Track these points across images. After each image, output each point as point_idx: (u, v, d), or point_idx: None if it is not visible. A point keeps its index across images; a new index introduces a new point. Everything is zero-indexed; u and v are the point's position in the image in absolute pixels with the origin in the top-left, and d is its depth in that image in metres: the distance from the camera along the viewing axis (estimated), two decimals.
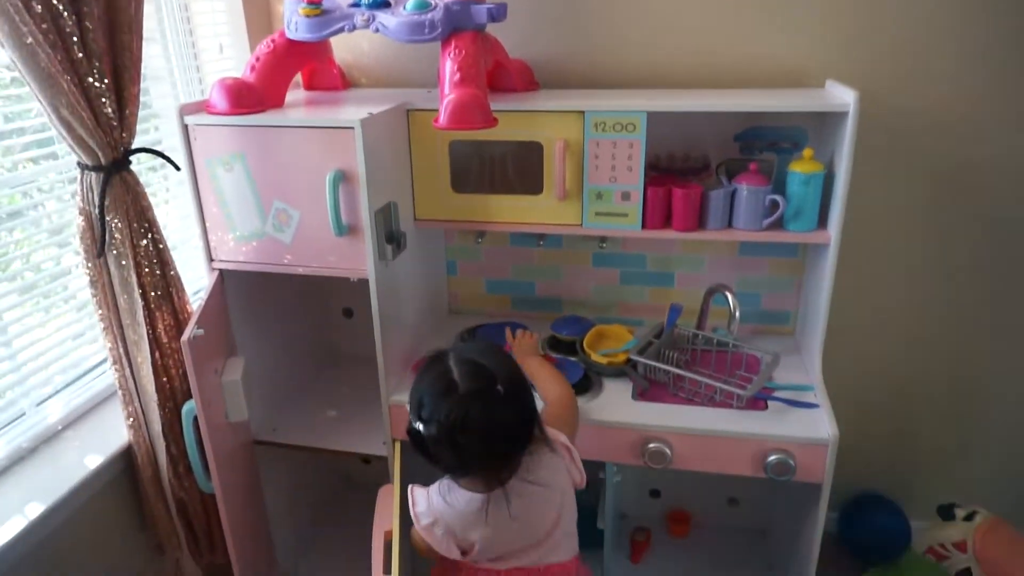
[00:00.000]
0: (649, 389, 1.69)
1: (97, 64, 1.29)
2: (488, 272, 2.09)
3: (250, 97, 1.53)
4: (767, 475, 1.53)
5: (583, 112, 1.56)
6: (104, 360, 1.65)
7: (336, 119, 1.47)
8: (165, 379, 1.52)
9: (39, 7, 1.19)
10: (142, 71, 1.40)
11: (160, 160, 1.76)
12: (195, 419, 1.52)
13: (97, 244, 1.40)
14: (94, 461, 1.49)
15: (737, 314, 1.69)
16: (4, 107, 1.45)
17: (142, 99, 1.42)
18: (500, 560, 1.31)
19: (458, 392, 1.17)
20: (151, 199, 1.49)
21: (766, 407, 1.61)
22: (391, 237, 1.60)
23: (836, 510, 2.21)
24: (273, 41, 1.60)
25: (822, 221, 1.62)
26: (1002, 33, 1.66)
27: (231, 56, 1.97)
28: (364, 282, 1.57)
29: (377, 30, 1.50)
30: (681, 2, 1.76)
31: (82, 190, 1.38)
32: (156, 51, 1.78)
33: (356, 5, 1.53)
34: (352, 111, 1.52)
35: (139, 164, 1.46)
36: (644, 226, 1.64)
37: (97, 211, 1.37)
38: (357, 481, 2.48)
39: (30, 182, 1.48)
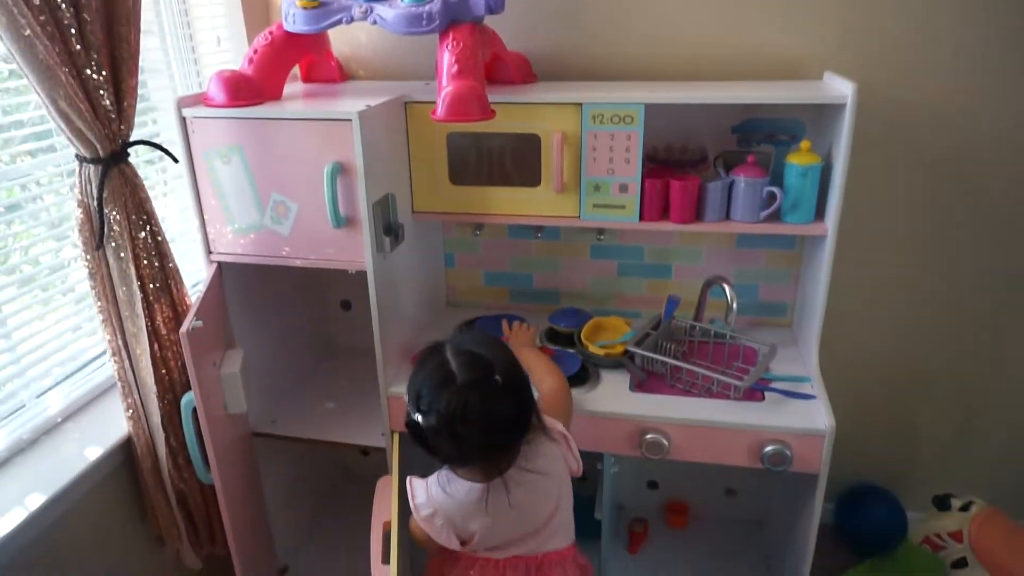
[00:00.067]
0: (646, 380, 1.70)
1: (95, 56, 1.29)
2: (486, 264, 2.10)
3: (248, 89, 1.53)
4: (764, 466, 1.54)
5: (581, 104, 1.56)
6: (103, 352, 1.66)
7: (334, 111, 1.47)
8: (164, 371, 1.53)
9: None
10: (140, 64, 1.40)
11: (157, 153, 1.76)
12: (194, 411, 1.52)
13: (96, 236, 1.40)
14: (94, 453, 1.49)
15: (734, 306, 1.69)
16: (2, 100, 1.45)
17: (140, 92, 1.42)
18: (498, 549, 1.32)
19: (456, 383, 1.18)
20: (149, 192, 1.49)
21: (763, 398, 1.61)
22: (389, 229, 1.60)
23: (833, 501, 2.22)
24: (271, 33, 1.60)
25: (819, 213, 1.62)
26: (999, 25, 1.66)
27: (229, 49, 1.97)
28: (362, 274, 1.57)
29: (375, 22, 1.50)
30: None
31: (80, 182, 1.38)
32: (154, 44, 1.78)
33: None
34: (350, 103, 1.52)
35: (136, 157, 1.46)
36: (642, 218, 1.64)
37: (96, 203, 1.37)
38: (356, 473, 2.49)
39: (27, 175, 1.48)
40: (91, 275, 1.44)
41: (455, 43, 1.46)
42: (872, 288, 1.96)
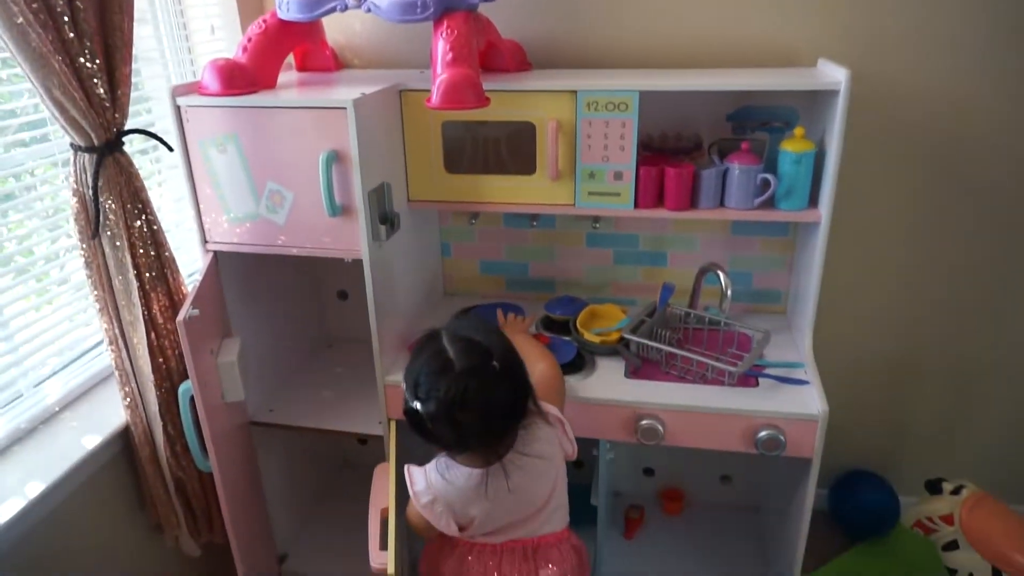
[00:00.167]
0: (641, 367, 1.71)
1: (88, 44, 1.29)
2: (482, 253, 2.10)
3: (242, 78, 1.53)
4: (758, 451, 1.55)
5: (575, 92, 1.56)
6: (100, 342, 1.66)
7: (329, 99, 1.47)
8: (161, 360, 1.53)
9: None
10: (133, 52, 1.40)
11: (151, 143, 1.76)
12: (191, 399, 1.53)
13: (91, 225, 1.40)
14: (92, 441, 1.50)
15: (729, 292, 1.70)
16: None
17: (133, 81, 1.42)
18: (495, 534, 1.33)
19: (455, 369, 1.18)
20: (144, 182, 1.49)
21: (757, 384, 1.63)
22: (385, 218, 1.60)
23: (826, 487, 2.24)
24: (265, 22, 1.60)
25: (813, 200, 1.63)
26: (995, 12, 1.66)
27: (223, 37, 1.97)
28: (358, 264, 1.58)
29: (369, 10, 1.50)
30: None
31: (75, 171, 1.38)
32: (147, 32, 1.77)
33: None
34: (345, 91, 1.52)
35: (130, 147, 1.46)
36: (636, 205, 1.65)
37: (91, 192, 1.37)
38: (353, 461, 2.50)
39: (20, 165, 1.48)
40: (87, 264, 1.44)
41: (449, 31, 1.46)
42: (866, 275, 1.97)
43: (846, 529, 2.18)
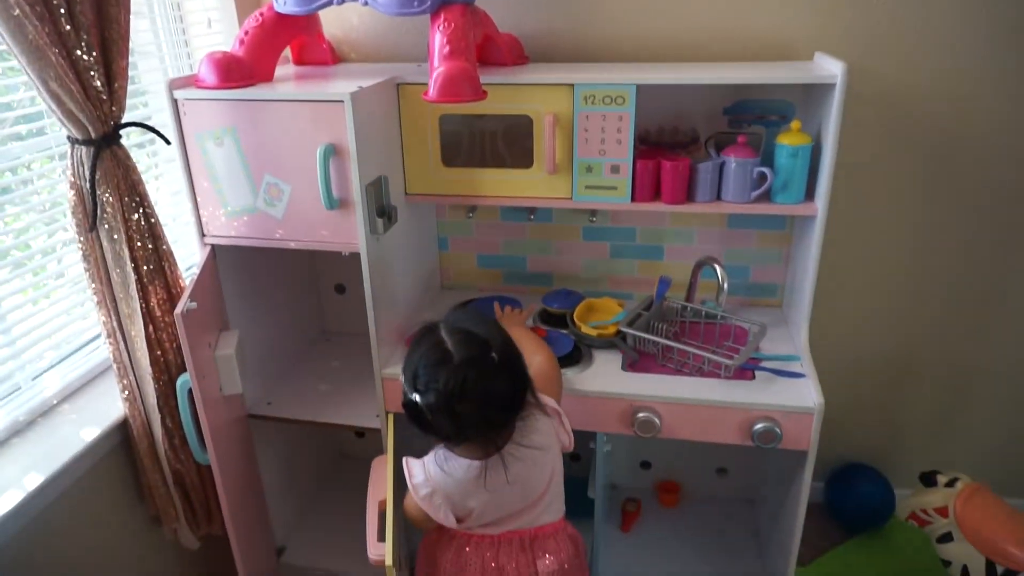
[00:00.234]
0: (638, 360, 1.72)
1: (85, 37, 1.29)
2: (479, 247, 2.11)
3: (239, 71, 1.53)
4: (754, 443, 1.56)
5: (573, 85, 1.56)
6: (99, 335, 1.66)
7: (326, 93, 1.47)
8: (159, 352, 1.54)
9: None
10: (130, 45, 1.39)
11: (147, 138, 1.77)
12: (189, 392, 1.54)
13: (89, 218, 1.40)
14: (90, 434, 1.50)
15: (725, 286, 1.70)
16: None
17: (130, 74, 1.41)
18: (493, 525, 1.34)
19: (453, 361, 1.18)
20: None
21: (753, 377, 1.63)
22: (382, 211, 1.60)
23: (823, 480, 2.25)
24: (261, 15, 1.60)
25: (810, 193, 1.63)
26: (992, 5, 1.66)
27: (220, 31, 1.96)
28: (356, 258, 1.58)
29: (366, 3, 1.50)
30: None
31: (72, 164, 1.38)
32: (144, 25, 1.77)
33: None
34: (342, 85, 1.52)
35: (127, 141, 1.46)
36: (633, 199, 1.65)
37: (88, 185, 1.37)
38: (351, 454, 2.51)
39: (16, 158, 1.48)
40: (85, 257, 1.44)
41: (447, 24, 1.46)
42: (862, 268, 1.98)
43: (842, 522, 2.20)
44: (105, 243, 1.43)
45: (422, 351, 1.23)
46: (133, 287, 1.45)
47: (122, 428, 1.57)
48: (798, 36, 1.76)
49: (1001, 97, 1.74)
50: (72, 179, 1.39)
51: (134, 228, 1.45)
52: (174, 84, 1.51)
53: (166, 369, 1.56)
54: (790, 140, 1.57)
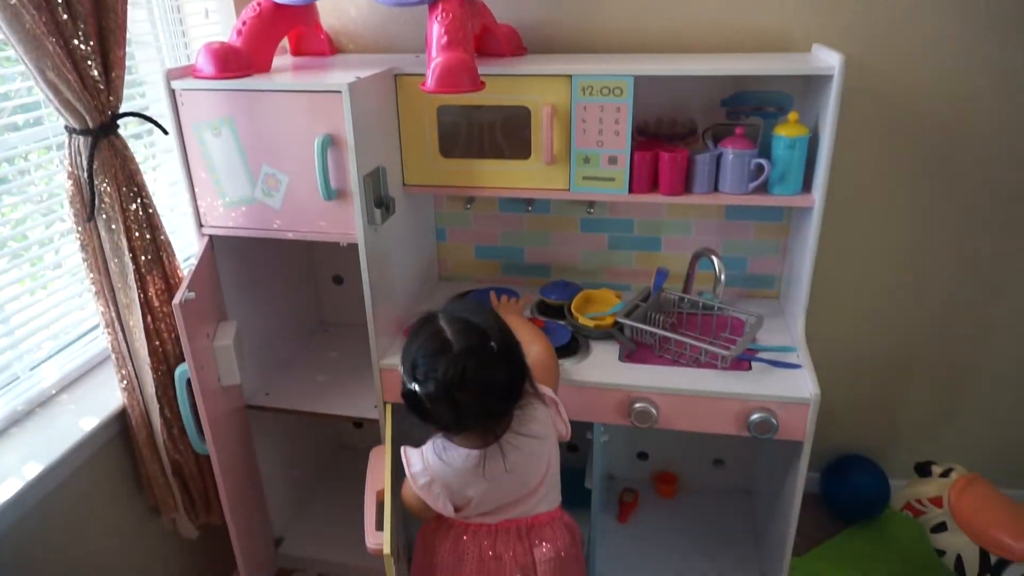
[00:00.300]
0: (635, 351, 1.72)
1: (82, 26, 1.29)
2: (477, 239, 2.11)
3: (237, 61, 1.53)
4: (751, 434, 1.56)
5: (571, 76, 1.56)
6: (97, 325, 1.67)
7: (324, 83, 1.47)
8: (157, 343, 1.54)
9: None
10: (127, 36, 1.39)
11: (144, 128, 1.77)
12: (188, 381, 1.54)
13: (87, 208, 1.40)
14: (89, 424, 1.50)
15: (722, 277, 1.71)
16: None
17: (127, 64, 1.41)
18: (490, 514, 1.34)
19: (453, 350, 1.19)
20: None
21: (750, 368, 1.64)
22: (380, 202, 1.61)
23: (819, 471, 2.26)
24: (259, 5, 1.59)
25: (807, 185, 1.63)
26: (992, 2, 1.66)
27: (217, 21, 1.96)
28: (354, 249, 1.58)
29: None
30: None
31: (70, 154, 1.38)
32: (141, 16, 1.77)
33: None
34: (340, 75, 1.52)
35: (124, 131, 1.46)
36: (631, 190, 1.65)
37: (86, 175, 1.37)
38: (349, 445, 2.52)
39: (12, 148, 1.47)
40: (83, 247, 1.44)
41: (444, 15, 1.46)
42: (859, 260, 1.98)
43: (837, 512, 2.21)
44: (103, 233, 1.43)
45: (421, 340, 1.23)
46: (131, 277, 1.45)
47: (121, 418, 1.57)
48: (795, 27, 1.76)
49: (1000, 93, 1.74)
50: (70, 169, 1.39)
51: (132, 218, 1.45)
52: (171, 74, 1.51)
53: (164, 359, 1.56)
54: (787, 132, 1.58)
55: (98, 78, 1.34)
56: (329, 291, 2.25)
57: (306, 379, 1.97)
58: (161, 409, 1.56)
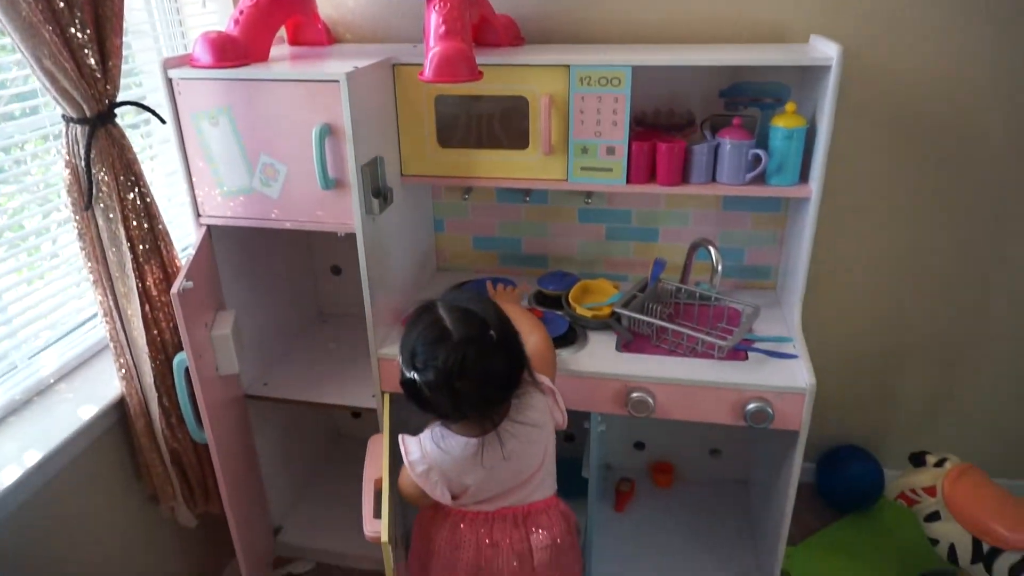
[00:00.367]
0: (632, 341, 1.73)
1: (79, 14, 1.28)
2: (475, 229, 2.11)
3: (234, 51, 1.53)
4: (747, 423, 1.57)
5: (568, 66, 1.56)
6: (95, 314, 1.67)
7: (321, 73, 1.47)
8: (156, 332, 1.54)
9: None
10: (124, 25, 1.39)
11: (141, 118, 1.76)
12: (186, 371, 1.54)
13: (84, 197, 1.40)
14: (87, 412, 1.51)
15: (719, 267, 1.72)
16: None
17: (124, 54, 1.41)
18: (487, 502, 1.35)
19: (452, 339, 1.19)
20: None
21: (746, 358, 1.65)
22: (378, 192, 1.61)
23: (814, 461, 2.27)
24: None
25: (804, 176, 1.64)
26: None
27: (214, 10, 1.95)
28: (352, 239, 1.58)
29: None
30: None
31: (67, 143, 1.38)
32: (138, 4, 1.76)
33: None
34: (337, 65, 1.52)
35: (121, 121, 1.45)
36: (628, 181, 1.65)
37: (83, 164, 1.37)
38: (347, 435, 2.53)
39: (9, 138, 1.47)
40: (80, 236, 1.44)
41: (442, 4, 1.45)
42: (855, 251, 1.99)
43: (832, 502, 2.22)
44: (101, 222, 1.43)
45: (420, 329, 1.23)
46: (129, 266, 1.45)
47: (119, 407, 1.58)
48: (793, 18, 1.75)
49: (997, 83, 1.75)
50: (67, 158, 1.39)
51: (130, 207, 1.45)
52: (168, 63, 1.51)
53: (163, 348, 1.57)
54: (785, 122, 1.58)
55: (95, 67, 1.34)
56: (327, 282, 2.25)
57: (304, 369, 1.97)
58: (160, 398, 1.56)
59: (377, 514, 1.43)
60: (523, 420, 1.28)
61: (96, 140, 1.38)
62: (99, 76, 1.35)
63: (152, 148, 1.86)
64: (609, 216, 2.01)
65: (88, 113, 1.35)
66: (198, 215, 1.65)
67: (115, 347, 1.53)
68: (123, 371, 1.55)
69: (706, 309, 1.80)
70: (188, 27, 1.91)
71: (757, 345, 1.68)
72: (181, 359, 1.53)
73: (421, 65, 1.47)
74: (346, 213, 1.56)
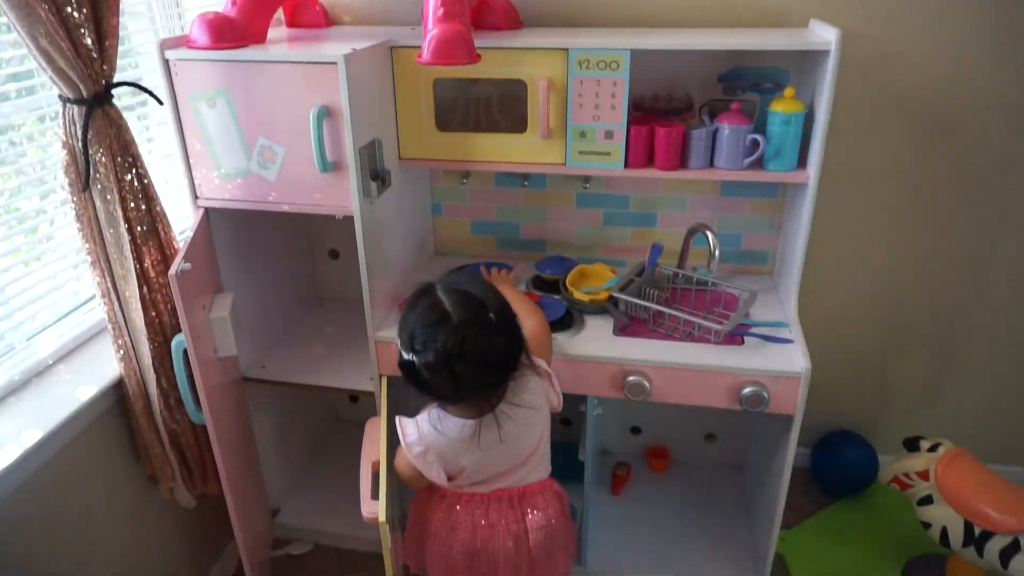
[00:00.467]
0: (629, 325, 1.74)
1: None
2: (473, 214, 2.11)
3: (232, 32, 1.52)
4: (742, 407, 1.58)
5: (567, 50, 1.56)
6: (93, 296, 1.67)
7: (319, 54, 1.46)
8: (154, 313, 1.54)
9: None
10: (120, 6, 1.38)
11: (138, 100, 1.76)
12: (184, 352, 1.55)
13: (82, 178, 1.40)
14: (86, 393, 1.51)
15: (717, 252, 1.72)
16: None
17: (120, 35, 1.40)
18: (483, 484, 1.36)
19: (452, 321, 1.19)
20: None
21: (742, 342, 1.66)
22: (376, 175, 1.61)
23: (809, 447, 2.29)
24: None
25: (802, 161, 1.64)
26: None
27: None
28: (350, 224, 1.58)
29: None
30: None
31: (64, 123, 1.38)
32: None
33: None
34: (335, 47, 1.51)
35: (117, 103, 1.45)
36: (627, 165, 1.65)
37: (80, 145, 1.37)
38: (345, 419, 2.54)
39: (5, 118, 1.47)
40: (78, 217, 1.44)
41: None
42: (853, 237, 1.99)
43: (827, 487, 2.24)
44: (98, 203, 1.43)
45: (419, 311, 1.23)
46: (127, 247, 1.45)
47: (118, 388, 1.58)
48: (794, 3, 1.75)
49: (997, 69, 1.74)
50: (64, 138, 1.38)
51: (127, 188, 1.45)
52: (165, 44, 1.50)
53: (161, 330, 1.57)
54: (783, 107, 1.58)
55: (91, 46, 1.33)
56: (325, 265, 2.25)
57: (302, 352, 1.98)
58: (158, 379, 1.56)
59: (375, 495, 1.44)
60: (520, 402, 1.29)
61: (93, 121, 1.37)
62: (96, 56, 1.35)
63: (149, 131, 1.85)
64: (607, 201, 2.01)
65: (85, 94, 1.35)
66: (196, 197, 1.65)
67: (113, 328, 1.53)
68: (121, 352, 1.55)
69: (703, 294, 1.81)
70: (185, 8, 1.90)
71: (753, 330, 1.69)
72: (179, 341, 1.54)
73: (419, 48, 1.46)
74: (344, 196, 1.56)
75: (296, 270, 2.16)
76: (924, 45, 1.74)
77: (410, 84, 1.66)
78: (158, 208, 1.54)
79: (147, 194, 1.49)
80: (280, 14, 1.87)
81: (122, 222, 1.44)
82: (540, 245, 2.11)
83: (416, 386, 1.25)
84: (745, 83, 1.75)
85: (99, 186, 1.41)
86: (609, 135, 1.62)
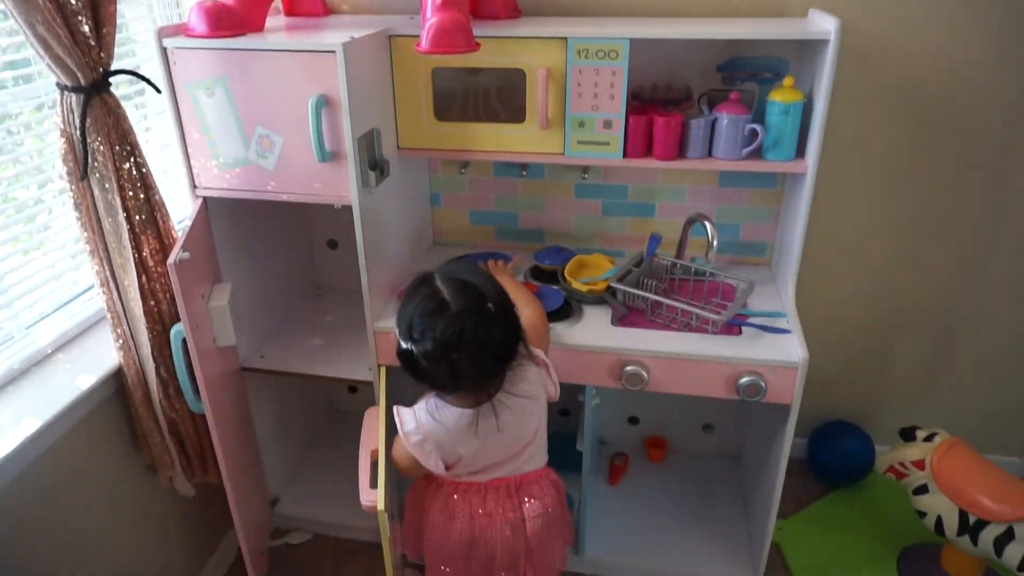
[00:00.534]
0: (627, 315, 1.74)
1: None
2: (472, 203, 2.11)
3: (230, 20, 1.51)
4: (740, 396, 1.59)
5: (566, 39, 1.55)
6: (92, 285, 1.67)
7: (318, 43, 1.46)
8: (153, 303, 1.54)
9: None
10: None
11: (135, 88, 1.75)
12: (183, 342, 1.55)
13: (80, 166, 1.40)
14: (85, 382, 1.51)
15: (715, 243, 1.72)
16: None
17: (118, 22, 1.40)
18: (481, 473, 1.37)
19: (451, 310, 1.19)
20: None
21: (740, 332, 1.66)
22: (374, 164, 1.60)
23: (806, 437, 2.30)
24: None
25: (801, 151, 1.64)
26: None
27: None
28: (349, 214, 1.58)
29: None
30: None
31: (62, 112, 1.37)
32: None
33: None
34: (334, 36, 1.51)
35: (115, 91, 1.44)
36: (625, 155, 1.65)
37: (79, 133, 1.36)
38: (343, 410, 2.54)
39: (3, 107, 1.46)
40: (76, 206, 1.44)
41: None
42: (850, 228, 2.00)
43: (824, 477, 2.25)
44: (97, 192, 1.43)
45: (418, 300, 1.23)
46: (126, 236, 1.45)
47: (117, 377, 1.58)
48: None
49: (997, 58, 1.74)
50: (62, 127, 1.38)
51: (125, 177, 1.45)
52: (163, 32, 1.50)
53: (160, 319, 1.57)
54: (782, 97, 1.58)
55: (89, 34, 1.33)
56: (324, 255, 2.25)
57: (301, 342, 1.98)
58: (157, 368, 1.57)
59: (373, 484, 1.45)
60: (517, 392, 1.29)
61: (91, 109, 1.37)
62: (93, 44, 1.34)
63: (147, 119, 1.85)
64: (605, 191, 2.01)
65: (83, 81, 1.35)
66: (194, 187, 1.64)
67: (112, 317, 1.53)
68: (120, 341, 1.55)
69: (701, 284, 1.81)
70: None
71: (751, 320, 1.69)
72: (178, 330, 1.54)
73: (418, 37, 1.46)
74: (342, 185, 1.56)
75: (295, 260, 2.16)
76: (924, 36, 1.74)
77: (409, 73, 1.66)
78: (157, 197, 1.53)
79: (145, 183, 1.49)
80: (278, 2, 1.87)
81: (121, 211, 1.44)
82: (539, 235, 2.11)
83: (414, 375, 1.25)
84: (744, 73, 1.75)
85: (97, 175, 1.41)
86: (608, 125, 1.62)
